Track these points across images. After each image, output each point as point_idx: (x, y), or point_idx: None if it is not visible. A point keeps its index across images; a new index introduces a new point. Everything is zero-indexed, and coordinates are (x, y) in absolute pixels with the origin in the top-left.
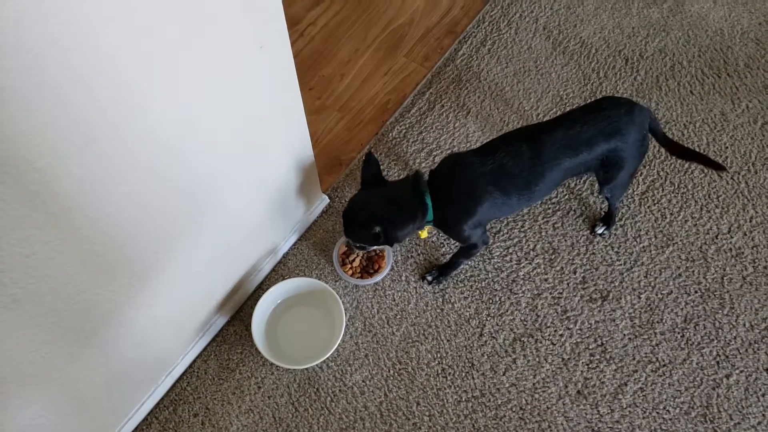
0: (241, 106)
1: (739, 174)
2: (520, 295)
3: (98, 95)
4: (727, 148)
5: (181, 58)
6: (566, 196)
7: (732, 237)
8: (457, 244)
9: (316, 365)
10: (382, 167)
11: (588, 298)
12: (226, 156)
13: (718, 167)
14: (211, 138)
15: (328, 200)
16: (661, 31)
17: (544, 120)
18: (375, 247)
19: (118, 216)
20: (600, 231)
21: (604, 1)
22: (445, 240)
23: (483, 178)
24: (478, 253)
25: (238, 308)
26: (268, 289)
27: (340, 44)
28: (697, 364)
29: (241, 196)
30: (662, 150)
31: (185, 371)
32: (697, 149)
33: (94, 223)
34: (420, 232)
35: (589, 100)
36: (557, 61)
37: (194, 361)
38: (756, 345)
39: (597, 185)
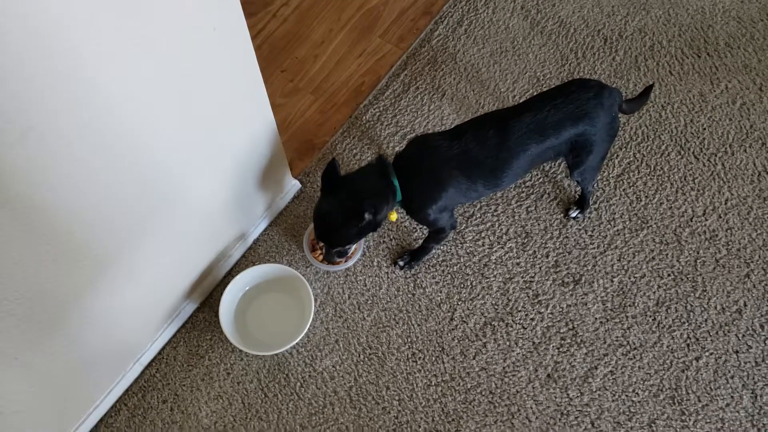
0: (199, 90)
1: (716, 156)
2: (492, 279)
3: (35, 79)
4: (704, 129)
5: (132, 37)
6: (540, 180)
7: (707, 219)
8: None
9: (286, 351)
10: (355, 151)
11: (560, 282)
12: (187, 142)
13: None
14: (169, 122)
15: (300, 185)
16: (641, 10)
17: (518, 103)
18: (352, 250)
19: (72, 202)
20: (574, 215)
21: None
22: (417, 225)
23: (448, 163)
24: (450, 238)
25: (208, 294)
26: (236, 275)
27: (314, 25)
28: (667, 347)
29: (205, 182)
30: (639, 131)
31: (154, 358)
32: (675, 130)
33: (45, 211)
34: (390, 215)
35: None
36: (535, 41)
37: (163, 347)
38: (726, 327)
39: (567, 170)
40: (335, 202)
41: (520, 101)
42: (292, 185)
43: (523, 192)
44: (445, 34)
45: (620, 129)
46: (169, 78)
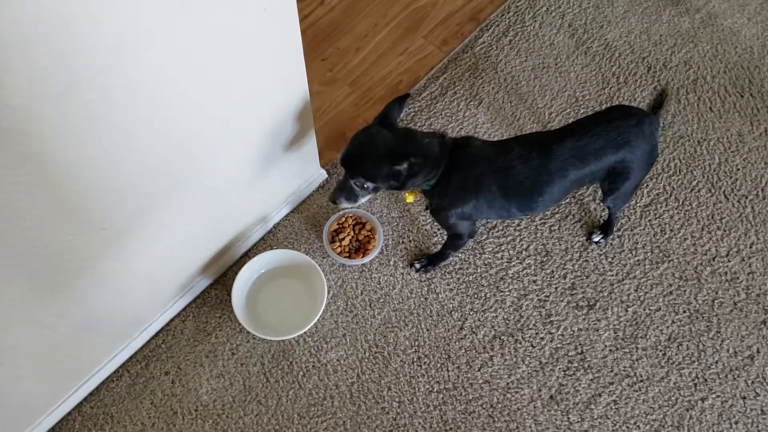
0: (241, 67)
1: (746, 198)
2: (507, 293)
3: (83, 38)
4: (738, 170)
5: (181, 11)
6: (567, 200)
7: (729, 261)
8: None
9: (293, 338)
10: None
11: (574, 304)
12: (221, 116)
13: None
14: (207, 96)
15: (326, 175)
16: (689, 42)
17: (557, 125)
18: (363, 200)
19: (96, 165)
20: (596, 239)
21: (635, 4)
22: (438, 229)
23: (491, 176)
24: (469, 246)
25: (223, 272)
26: (253, 257)
27: (360, 17)
28: (674, 383)
29: (233, 158)
30: (672, 164)
31: (161, 329)
32: (708, 167)
33: (69, 170)
34: (407, 195)
35: (605, 105)
36: (578, 60)
37: (172, 320)
38: (736, 372)
39: (600, 194)
40: (384, 135)
41: (562, 125)
42: (318, 174)
43: (548, 210)
44: (489, 43)
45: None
46: (213, 53)
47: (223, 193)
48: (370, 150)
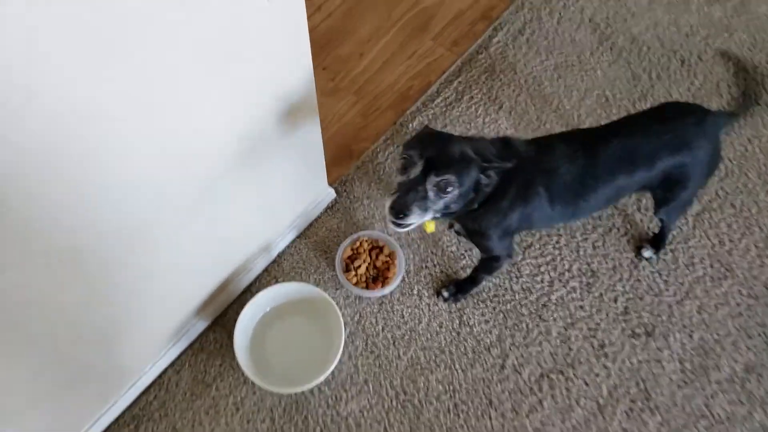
0: (241, 69)
1: None
2: (551, 322)
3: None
4: None
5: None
6: (609, 211)
7: None
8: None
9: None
10: (387, 159)
11: (630, 332)
12: (219, 128)
13: None
14: (202, 101)
15: (335, 194)
16: (723, 32)
17: (604, 125)
18: (432, 214)
19: (85, 191)
20: (647, 255)
21: None
22: (466, 250)
23: (538, 178)
24: (504, 269)
25: (222, 312)
26: (257, 293)
27: (361, 21)
28: (759, 423)
29: (232, 178)
30: (722, 166)
31: (153, 382)
32: (763, 168)
33: (52, 201)
34: (426, 224)
35: (639, 103)
36: (604, 57)
37: (165, 371)
38: None
39: (648, 202)
40: (454, 137)
41: (590, 120)
42: (326, 193)
43: (589, 224)
44: (504, 42)
45: None
46: (212, 55)
47: (222, 220)
48: (453, 146)
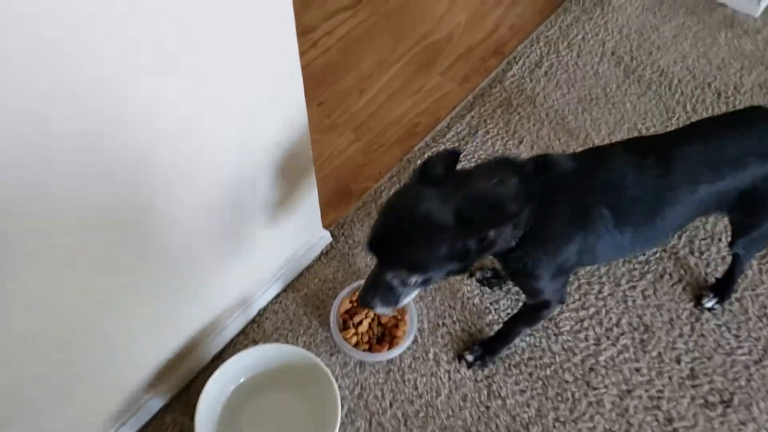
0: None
1: None
2: (603, 390)
3: None
4: None
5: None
6: (656, 254)
7: None
8: (509, 308)
9: None
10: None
11: (702, 401)
12: (188, 144)
13: None
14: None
15: (331, 238)
16: (758, 64)
17: (679, 127)
18: (407, 299)
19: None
20: (710, 305)
21: (684, 29)
22: (491, 303)
23: (591, 196)
24: (541, 325)
25: (185, 386)
26: (228, 358)
27: (362, 56)
28: None
29: (198, 211)
30: None
31: None
32: None
33: None
34: None
35: None
36: (632, 90)
37: None
38: None
39: (728, 233)
40: (431, 195)
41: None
42: (320, 237)
43: (634, 269)
44: (520, 76)
45: None
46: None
47: (183, 262)
48: (415, 223)
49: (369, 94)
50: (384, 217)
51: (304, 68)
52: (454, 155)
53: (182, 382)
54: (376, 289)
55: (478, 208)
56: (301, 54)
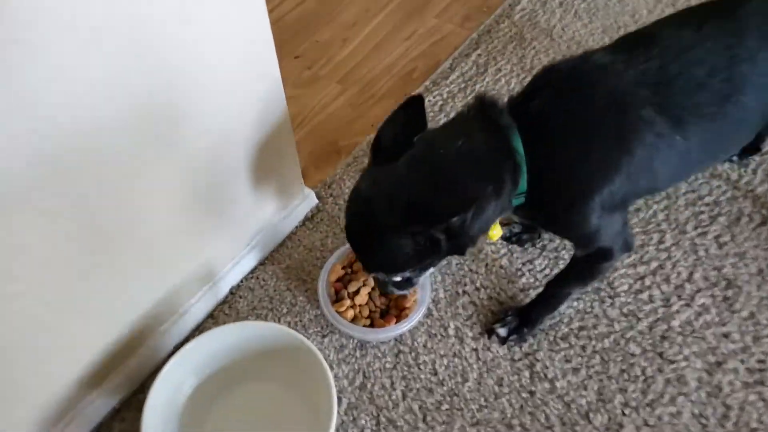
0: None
1: None
2: (683, 364)
3: None
4: None
5: None
6: (725, 191)
7: None
8: (547, 267)
9: None
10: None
11: None
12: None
13: None
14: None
15: (316, 200)
16: None
17: None
18: (422, 278)
19: None
20: None
21: None
22: (524, 263)
23: (632, 96)
24: (588, 287)
25: (138, 386)
26: (184, 345)
27: (342, 6)
28: None
29: (160, 171)
30: None
31: None
32: None
33: None
34: (491, 230)
35: None
36: (667, 12)
37: None
38: None
39: None
40: (385, 182)
41: None
42: (303, 197)
43: (701, 212)
44: (531, 9)
45: None
46: None
47: (138, 226)
48: (367, 225)
49: (353, 43)
50: (347, 219)
51: (277, 21)
52: (412, 111)
53: (136, 380)
54: (387, 284)
55: (429, 193)
56: (273, 7)
